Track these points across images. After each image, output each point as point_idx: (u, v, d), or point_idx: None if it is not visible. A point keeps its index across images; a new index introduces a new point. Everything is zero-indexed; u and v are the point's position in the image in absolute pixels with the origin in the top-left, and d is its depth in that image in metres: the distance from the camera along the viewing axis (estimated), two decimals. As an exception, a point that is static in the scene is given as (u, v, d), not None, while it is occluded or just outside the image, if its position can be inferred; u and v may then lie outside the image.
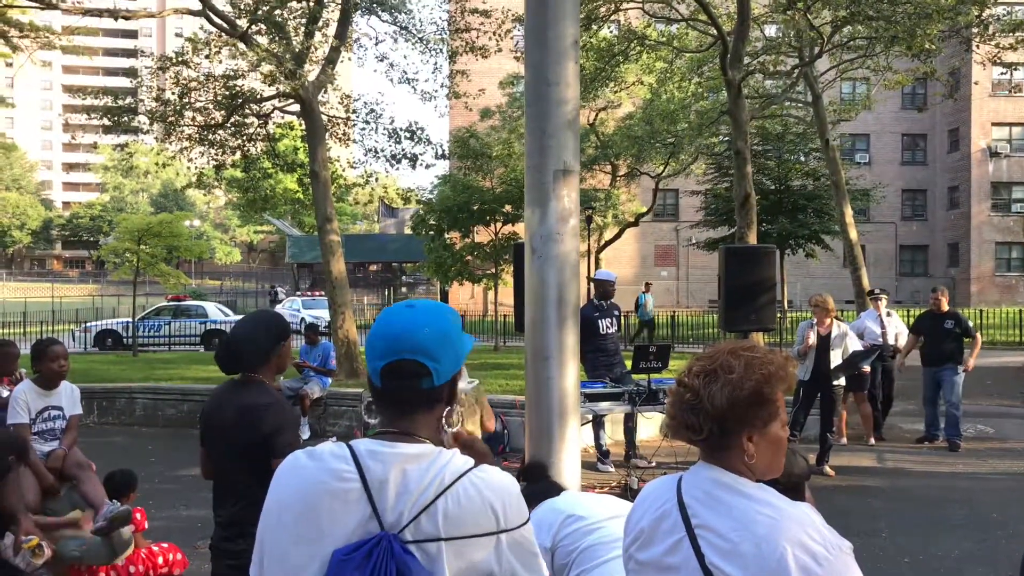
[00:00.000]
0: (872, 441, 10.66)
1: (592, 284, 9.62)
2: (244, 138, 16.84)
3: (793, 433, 9.13)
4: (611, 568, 2.65)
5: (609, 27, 20.35)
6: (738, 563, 1.69)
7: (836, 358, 9.15)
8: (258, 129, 16.98)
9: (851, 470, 9.22)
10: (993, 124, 42.74)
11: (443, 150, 18.72)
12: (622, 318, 10.81)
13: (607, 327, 9.28)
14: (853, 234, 19.05)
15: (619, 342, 9.59)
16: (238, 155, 17.12)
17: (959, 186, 43.95)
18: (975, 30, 17.47)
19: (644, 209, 35.50)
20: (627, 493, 7.63)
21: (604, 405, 8.14)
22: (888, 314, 11.26)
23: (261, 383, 3.10)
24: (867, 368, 10.43)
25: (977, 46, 18.05)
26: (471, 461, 1.66)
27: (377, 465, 1.60)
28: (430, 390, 1.67)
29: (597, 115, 31.10)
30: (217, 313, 26.61)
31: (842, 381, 9.23)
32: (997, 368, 16.73)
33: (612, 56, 19.97)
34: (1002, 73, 39.01)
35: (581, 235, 34.25)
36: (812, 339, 9.07)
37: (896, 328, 11.20)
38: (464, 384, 5.70)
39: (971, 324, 10.49)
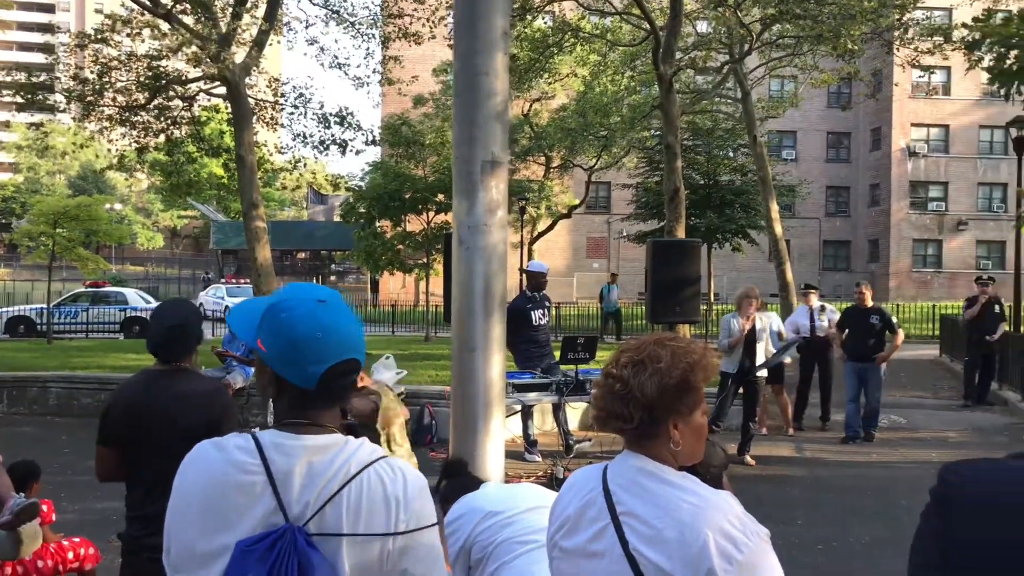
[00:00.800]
0: (791, 431, 10.99)
1: (524, 275, 9.67)
2: (168, 121, 16.38)
3: (716, 424, 9.34)
4: (529, 559, 2.68)
5: (543, 18, 20.40)
6: (661, 549, 1.73)
7: (761, 351, 9.39)
8: (183, 112, 16.53)
9: (771, 460, 9.49)
10: (912, 125, 44.31)
11: (374, 136, 18.54)
12: (552, 309, 10.90)
13: (539, 318, 9.34)
14: (778, 229, 19.53)
15: (549, 333, 9.67)
16: (162, 138, 16.64)
17: (880, 184, 45.48)
18: (896, 33, 18.09)
19: (577, 201, 35.75)
20: (553, 483, 7.71)
21: (532, 395, 8.20)
22: (821, 308, 11.58)
23: (192, 371, 3.04)
24: (788, 360, 10.76)
25: (897, 49, 18.70)
26: (379, 451, 1.65)
27: (282, 457, 1.59)
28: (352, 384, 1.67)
29: (531, 106, 31.16)
30: (138, 300, 25.88)
31: (764, 372, 9.49)
32: (911, 361, 17.43)
33: (546, 47, 20.04)
34: (920, 76, 40.43)
35: (514, 226, 34.47)
36: (745, 327, 9.27)
37: (830, 319, 11.49)
38: (391, 375, 5.67)
39: (895, 320, 10.83)
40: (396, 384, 5.57)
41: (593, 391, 1.95)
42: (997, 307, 13.21)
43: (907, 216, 44.34)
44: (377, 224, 24.36)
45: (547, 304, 9.54)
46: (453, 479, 3.35)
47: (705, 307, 24.74)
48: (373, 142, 18.72)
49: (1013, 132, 15.93)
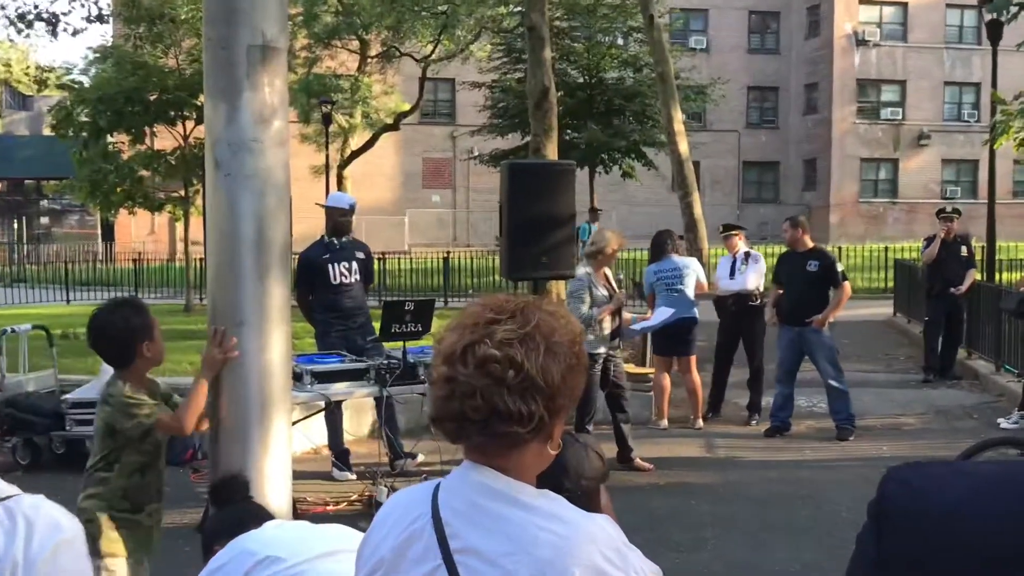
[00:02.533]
0: (700, 424, 11.41)
1: (325, 214, 9.56)
2: None
3: (584, 422, 9.47)
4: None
5: None
6: None
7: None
8: None
9: (672, 463, 9.84)
10: (861, 2, 46.40)
11: (100, 9, 17.75)
12: (375, 263, 10.82)
13: (342, 275, 9.27)
14: (684, 146, 20.12)
15: (365, 297, 9.64)
16: None
17: (819, 83, 47.62)
18: None
19: (407, 106, 35.63)
20: (373, 509, 7.71)
21: (339, 387, 8.13)
22: (746, 256, 11.93)
23: None
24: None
25: None
26: (8, 489, 1.62)
27: None
28: None
29: (336, -34, 30.66)
30: None
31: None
32: (858, 324, 18.44)
33: None
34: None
35: (315, 141, 34.05)
36: (619, 297, 9.49)
37: (758, 271, 11.86)
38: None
39: (840, 267, 11.20)
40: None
41: (439, 382, 1.93)
42: (964, 248, 13.96)
43: (853, 127, 46.70)
44: (109, 139, 23.35)
45: (359, 256, 9.49)
46: (223, 511, 3.28)
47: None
48: (99, 17, 17.92)
49: (986, 15, 16.78)
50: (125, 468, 4.30)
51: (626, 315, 10.16)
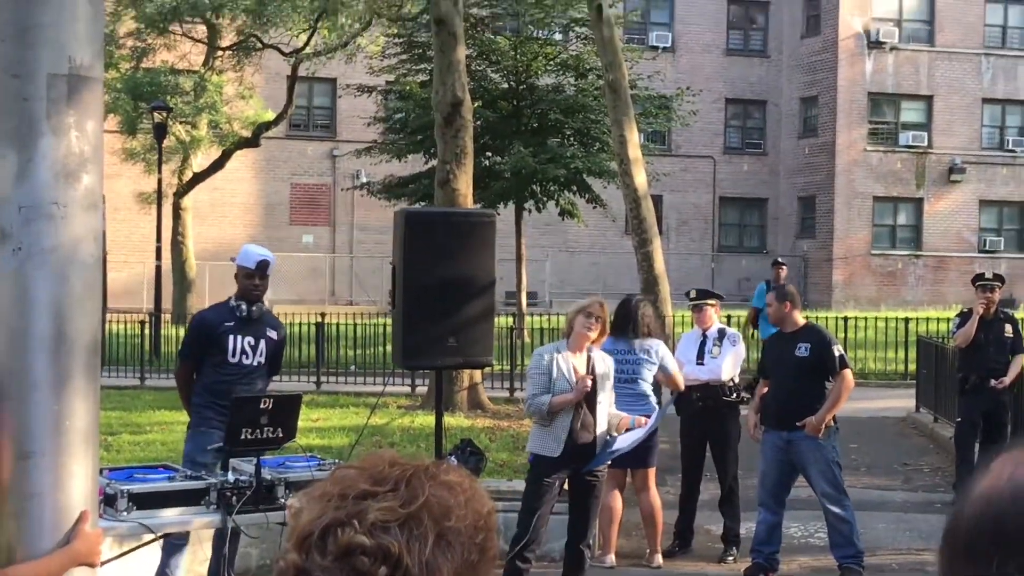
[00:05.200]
0: (659, 561, 11.40)
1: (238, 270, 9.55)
2: None
3: (525, 555, 9.50)
4: None
5: None
6: None
7: (603, 415, 9.66)
8: None
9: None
10: (875, -8, 47.08)
11: None
12: (288, 345, 10.77)
13: (243, 352, 9.32)
14: (641, 177, 20.27)
15: (266, 388, 9.66)
16: None
17: (818, 97, 48.31)
18: None
19: (271, 115, 35.51)
20: None
21: (168, 515, 8.00)
22: (721, 333, 12.01)
23: None
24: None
25: None
26: None
27: None
28: None
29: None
30: None
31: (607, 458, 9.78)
32: (868, 421, 18.64)
33: None
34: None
35: (148, 160, 33.69)
36: (578, 375, 9.45)
37: (735, 355, 11.95)
38: None
39: (839, 350, 11.27)
40: None
41: (287, 573, 1.88)
42: (1009, 327, 14.10)
43: (864, 156, 47.31)
44: None
45: (270, 334, 9.61)
46: None
47: (512, 324, 25.25)
48: None
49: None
50: None
51: (620, 415, 9.95)
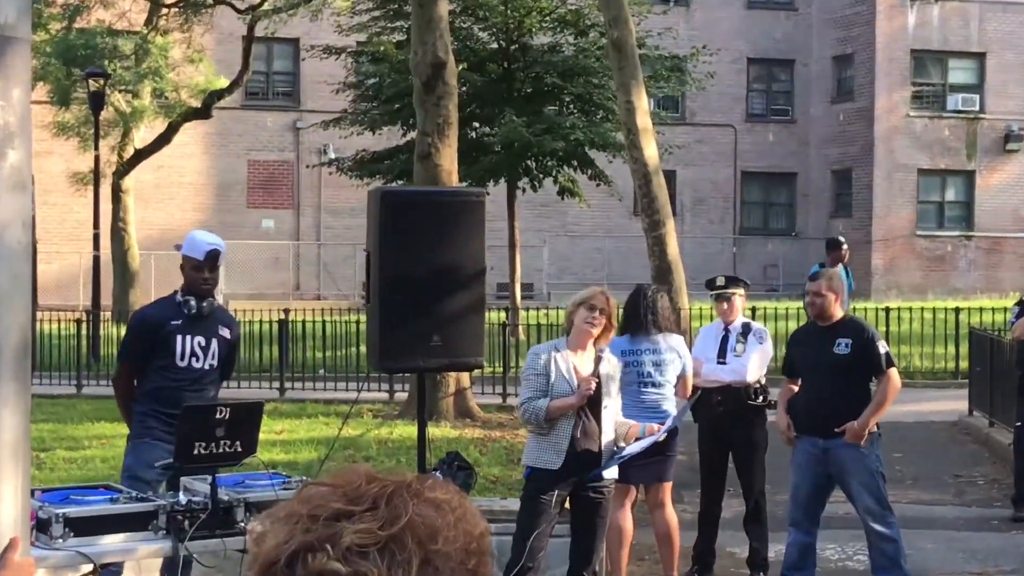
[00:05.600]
0: (679, 588, 11.42)
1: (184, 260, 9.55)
2: None
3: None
4: None
5: None
6: None
7: (609, 421, 9.66)
8: None
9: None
10: (917, -69, 47.05)
11: None
12: (248, 347, 10.73)
13: (193, 354, 9.33)
14: (650, 149, 20.26)
15: (218, 394, 9.73)
16: None
17: (854, 56, 48.36)
18: None
19: (224, 82, 35.43)
20: None
21: (110, 542, 8.01)
22: (745, 328, 12.02)
23: None
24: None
25: None
26: None
27: None
28: None
29: None
30: None
31: (613, 472, 9.76)
32: (915, 426, 18.64)
33: None
34: None
35: (83, 135, 33.55)
36: (580, 377, 9.44)
37: (761, 353, 11.96)
38: None
39: (884, 346, 11.21)
40: None
41: None
42: (1076, 320, 14.26)
43: (906, 123, 47.38)
44: None
45: (222, 332, 9.60)
46: None
47: (504, 320, 25.22)
48: None
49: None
50: None
51: (628, 423, 9.94)
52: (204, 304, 9.46)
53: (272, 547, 1.88)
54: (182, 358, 9.33)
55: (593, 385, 9.34)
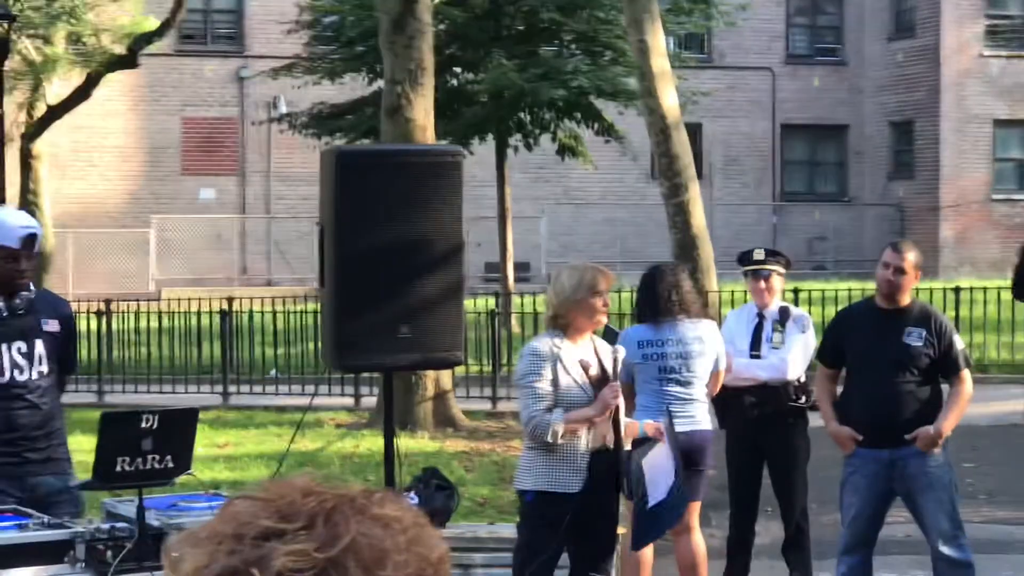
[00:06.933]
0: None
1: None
2: None
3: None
4: None
5: None
6: None
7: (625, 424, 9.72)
8: None
9: None
10: None
11: None
12: (185, 344, 10.76)
13: (14, 366, 9.23)
14: (669, 98, 20.31)
15: (59, 401, 9.62)
16: None
17: (915, -18, 48.29)
18: None
19: (154, 24, 35.40)
20: None
21: (16, 578, 8.07)
22: (784, 313, 12.05)
23: None
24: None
25: None
26: None
27: None
28: None
29: None
30: None
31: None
32: (987, 429, 18.71)
33: None
34: None
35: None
36: (589, 369, 9.49)
37: (804, 344, 11.98)
38: None
39: (960, 342, 11.16)
40: None
41: None
42: None
43: (980, 65, 47.43)
44: None
45: (47, 326, 9.42)
46: None
47: (493, 308, 25.26)
48: None
49: None
50: None
51: (629, 422, 9.95)
52: (18, 301, 9.24)
53: (191, 572, 1.89)
54: (2, 374, 9.13)
55: (619, 390, 9.35)
